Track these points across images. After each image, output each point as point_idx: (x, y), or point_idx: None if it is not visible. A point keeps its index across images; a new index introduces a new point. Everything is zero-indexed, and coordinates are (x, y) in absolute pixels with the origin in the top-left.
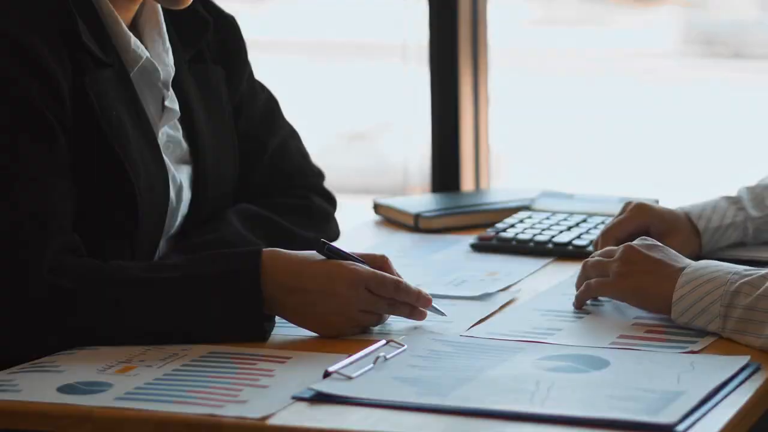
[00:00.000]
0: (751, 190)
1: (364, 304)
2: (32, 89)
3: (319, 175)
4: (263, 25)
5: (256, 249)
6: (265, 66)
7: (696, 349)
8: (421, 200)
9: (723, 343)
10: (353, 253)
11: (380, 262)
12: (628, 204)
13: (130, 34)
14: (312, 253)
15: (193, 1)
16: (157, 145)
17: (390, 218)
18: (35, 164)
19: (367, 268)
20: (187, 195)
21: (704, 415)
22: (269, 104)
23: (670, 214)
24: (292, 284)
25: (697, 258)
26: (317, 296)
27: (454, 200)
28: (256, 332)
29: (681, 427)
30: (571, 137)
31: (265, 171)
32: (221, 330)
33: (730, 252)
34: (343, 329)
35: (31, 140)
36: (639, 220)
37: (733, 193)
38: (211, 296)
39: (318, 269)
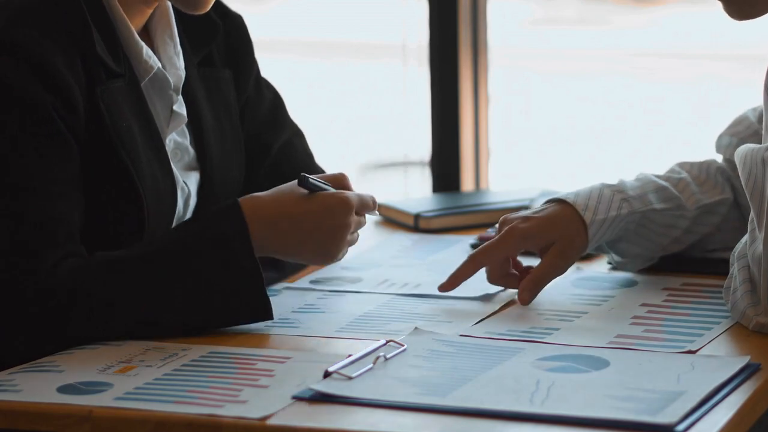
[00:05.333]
0: (635, 181)
1: (354, 227)
2: (47, 99)
3: None
4: (263, 24)
5: (235, 211)
6: (265, 65)
7: (694, 348)
8: (421, 200)
9: (723, 343)
10: (319, 177)
11: (342, 181)
12: (502, 222)
13: (143, 43)
14: (289, 190)
15: None
16: (166, 156)
17: (390, 218)
18: (46, 173)
19: (349, 192)
20: (194, 201)
21: (704, 415)
22: (275, 103)
23: (545, 226)
24: (285, 227)
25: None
26: (314, 231)
27: (454, 200)
28: (260, 310)
29: (681, 427)
30: (571, 137)
31: (270, 171)
32: (227, 314)
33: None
34: (339, 254)
35: (44, 149)
36: (512, 246)
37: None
38: (212, 286)
39: (310, 206)
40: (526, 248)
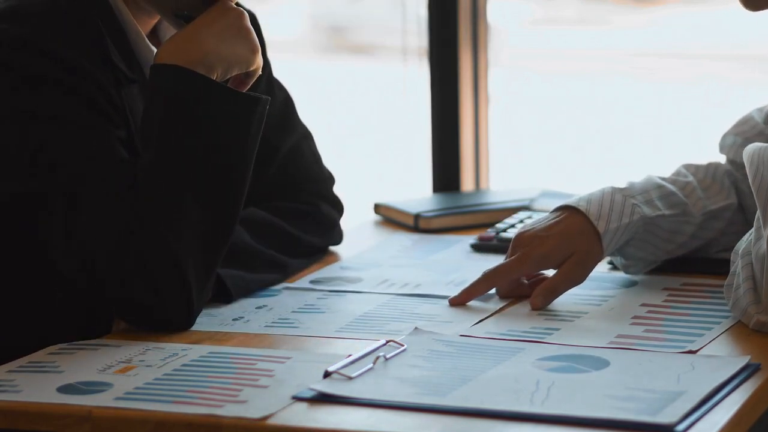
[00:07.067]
0: (644, 184)
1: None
2: (91, 90)
3: (329, 179)
4: (263, 24)
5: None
6: None
7: (694, 348)
8: (421, 200)
9: (723, 343)
10: None
11: None
12: (516, 241)
13: (153, 48)
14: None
15: None
16: None
17: (390, 218)
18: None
19: None
20: None
21: (704, 415)
22: (285, 105)
23: (560, 245)
24: (200, 37)
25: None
26: (224, 32)
27: (454, 200)
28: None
29: (681, 427)
30: (571, 137)
31: (277, 173)
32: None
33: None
34: (253, 37)
35: (90, 123)
36: (528, 269)
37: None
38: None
39: (203, 18)
40: (542, 269)
